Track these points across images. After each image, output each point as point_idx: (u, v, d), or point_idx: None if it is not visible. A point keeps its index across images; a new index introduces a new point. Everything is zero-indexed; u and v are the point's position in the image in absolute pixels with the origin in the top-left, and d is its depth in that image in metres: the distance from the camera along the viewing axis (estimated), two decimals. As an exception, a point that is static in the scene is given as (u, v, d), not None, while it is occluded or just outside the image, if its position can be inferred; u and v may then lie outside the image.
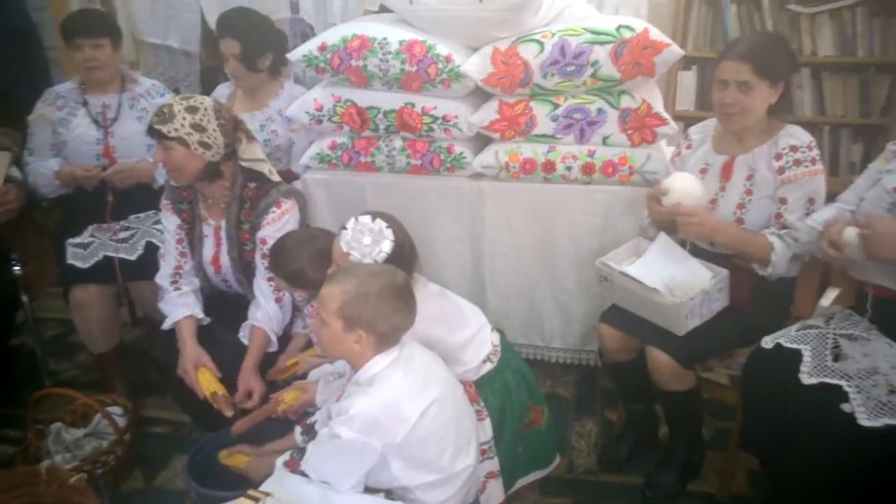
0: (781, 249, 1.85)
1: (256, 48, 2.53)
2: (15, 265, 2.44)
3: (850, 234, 1.58)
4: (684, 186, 1.91)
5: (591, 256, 2.21)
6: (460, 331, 1.77)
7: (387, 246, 1.64)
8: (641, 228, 2.21)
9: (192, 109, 1.92)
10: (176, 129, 1.89)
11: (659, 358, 1.88)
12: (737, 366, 1.93)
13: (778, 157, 1.89)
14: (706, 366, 1.99)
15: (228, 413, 1.91)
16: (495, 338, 1.86)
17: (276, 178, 2.11)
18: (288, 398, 1.83)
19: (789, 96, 1.96)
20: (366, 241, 1.64)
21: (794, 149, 1.87)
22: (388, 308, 1.49)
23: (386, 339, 1.52)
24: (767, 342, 1.73)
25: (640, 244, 2.10)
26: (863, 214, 1.55)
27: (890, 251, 1.50)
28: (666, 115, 2.22)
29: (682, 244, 2.02)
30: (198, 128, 1.91)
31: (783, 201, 1.88)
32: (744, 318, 1.94)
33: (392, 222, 1.69)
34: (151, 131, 1.92)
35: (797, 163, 1.86)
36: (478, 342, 1.80)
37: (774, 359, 1.69)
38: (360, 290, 1.48)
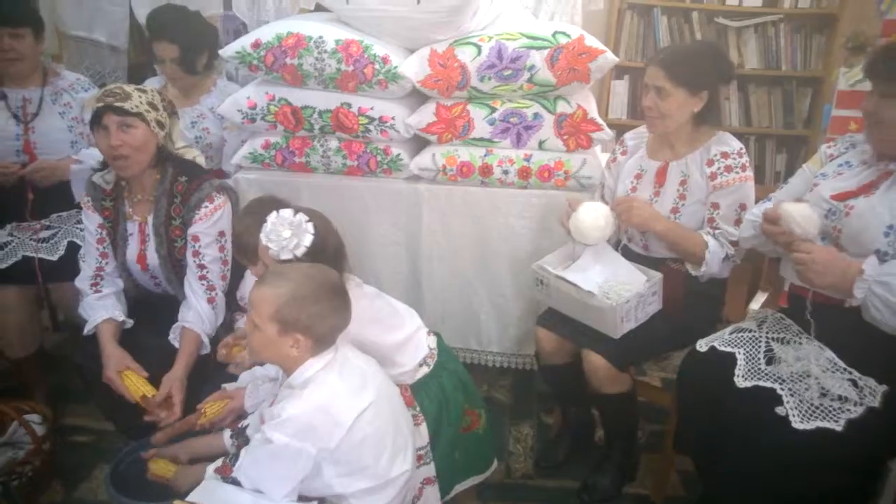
0: (715, 248, 1.90)
1: (194, 49, 2.48)
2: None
3: (786, 206, 1.59)
4: (587, 218, 1.95)
5: (527, 260, 2.22)
6: (395, 332, 1.74)
7: (306, 240, 1.59)
8: (577, 232, 2.23)
9: (141, 90, 1.91)
10: (136, 106, 1.85)
11: (595, 361, 1.90)
12: (671, 368, 1.97)
13: (710, 163, 1.94)
14: (640, 369, 2.02)
15: (161, 416, 1.82)
16: (432, 341, 1.84)
17: (201, 161, 2.08)
18: (210, 411, 1.75)
19: (717, 105, 2.00)
20: (285, 235, 1.59)
21: (725, 155, 1.93)
22: (325, 309, 1.46)
23: (323, 340, 1.48)
24: (702, 345, 1.76)
25: (576, 248, 2.11)
26: (802, 242, 1.57)
27: (825, 279, 1.53)
28: (601, 121, 2.25)
29: (616, 249, 2.05)
30: (153, 106, 1.90)
31: (715, 206, 1.93)
32: (677, 321, 1.97)
33: (316, 218, 1.64)
34: (110, 109, 1.82)
35: (728, 169, 1.92)
36: (413, 344, 1.78)
37: (708, 362, 1.72)
38: (295, 292, 1.44)
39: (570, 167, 2.27)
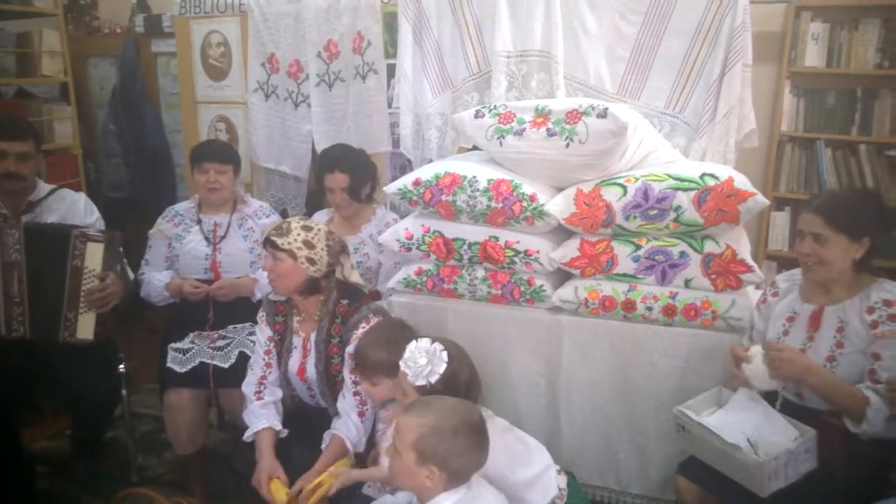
0: (878, 405, 1.74)
1: (361, 180, 2.79)
2: (121, 363, 2.62)
3: None
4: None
5: (671, 400, 2.15)
6: (525, 468, 1.76)
7: (440, 368, 1.72)
8: (724, 376, 2.14)
9: (307, 228, 2.13)
10: (289, 243, 2.08)
11: (740, 519, 1.78)
12: (830, 535, 1.80)
13: (870, 310, 1.83)
14: (796, 532, 1.85)
15: None
16: (562, 481, 1.83)
17: (357, 278, 2.28)
18: None
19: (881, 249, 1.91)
20: (421, 362, 1.72)
21: (888, 303, 1.82)
22: (462, 446, 1.51)
23: (456, 477, 1.53)
24: (861, 513, 1.61)
25: (722, 393, 2.03)
26: None
27: None
28: (751, 263, 2.18)
29: (768, 399, 1.94)
30: (308, 245, 2.10)
31: (877, 357, 1.80)
32: (836, 483, 1.81)
33: (451, 348, 1.75)
34: (267, 241, 2.12)
35: (892, 318, 1.80)
36: (543, 482, 1.78)
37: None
38: (436, 424, 1.51)
39: (718, 307, 2.21)
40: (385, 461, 1.87)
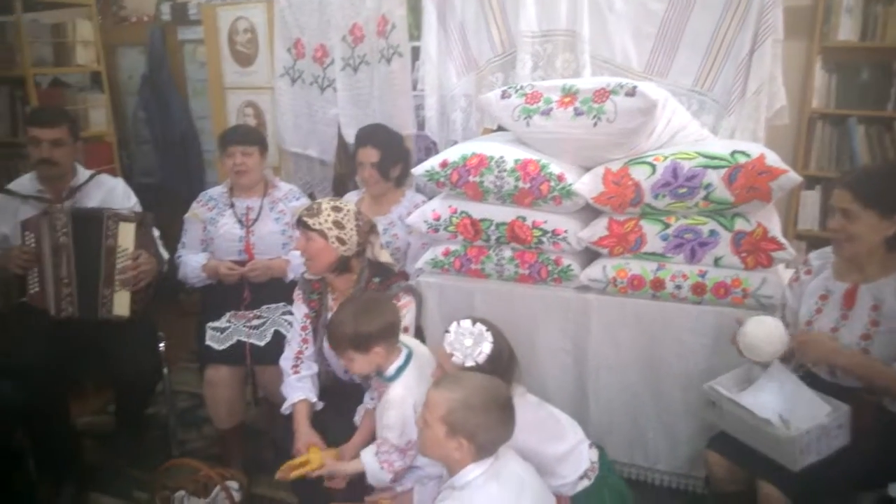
0: None
1: (391, 158, 2.82)
2: (161, 342, 2.71)
3: None
4: (758, 332, 1.90)
5: (699, 378, 2.15)
6: (557, 443, 1.78)
7: (486, 347, 1.73)
8: (753, 353, 2.14)
9: (336, 209, 2.17)
10: (320, 224, 2.12)
11: (771, 493, 1.78)
12: (863, 512, 1.80)
13: None
14: (827, 509, 1.86)
15: (340, 485, 1.99)
16: (593, 454, 1.85)
17: (387, 257, 2.30)
18: None
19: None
20: (467, 343, 1.74)
21: None
22: (491, 421, 1.55)
23: (484, 449, 1.57)
24: (894, 490, 1.61)
25: (752, 370, 2.03)
26: None
27: None
28: (783, 240, 2.17)
29: (800, 375, 1.94)
30: (338, 225, 2.14)
31: None
32: (869, 460, 1.80)
33: (491, 327, 1.77)
34: (299, 222, 2.16)
35: None
36: (575, 456, 1.80)
37: (903, 507, 1.57)
38: (466, 399, 1.55)
39: (749, 285, 2.20)
40: (365, 454, 1.91)
